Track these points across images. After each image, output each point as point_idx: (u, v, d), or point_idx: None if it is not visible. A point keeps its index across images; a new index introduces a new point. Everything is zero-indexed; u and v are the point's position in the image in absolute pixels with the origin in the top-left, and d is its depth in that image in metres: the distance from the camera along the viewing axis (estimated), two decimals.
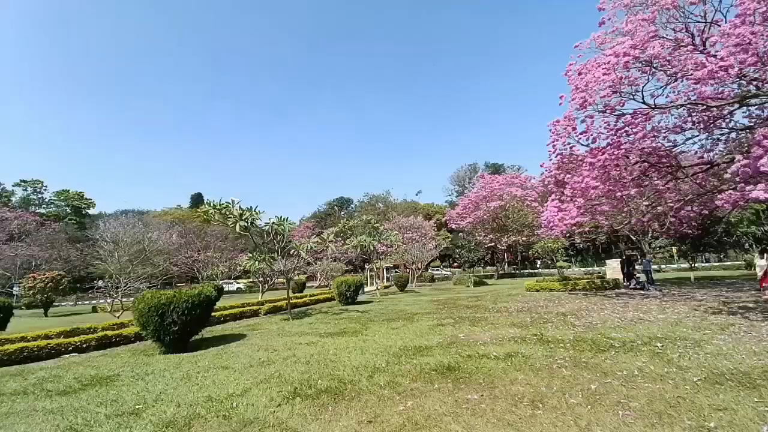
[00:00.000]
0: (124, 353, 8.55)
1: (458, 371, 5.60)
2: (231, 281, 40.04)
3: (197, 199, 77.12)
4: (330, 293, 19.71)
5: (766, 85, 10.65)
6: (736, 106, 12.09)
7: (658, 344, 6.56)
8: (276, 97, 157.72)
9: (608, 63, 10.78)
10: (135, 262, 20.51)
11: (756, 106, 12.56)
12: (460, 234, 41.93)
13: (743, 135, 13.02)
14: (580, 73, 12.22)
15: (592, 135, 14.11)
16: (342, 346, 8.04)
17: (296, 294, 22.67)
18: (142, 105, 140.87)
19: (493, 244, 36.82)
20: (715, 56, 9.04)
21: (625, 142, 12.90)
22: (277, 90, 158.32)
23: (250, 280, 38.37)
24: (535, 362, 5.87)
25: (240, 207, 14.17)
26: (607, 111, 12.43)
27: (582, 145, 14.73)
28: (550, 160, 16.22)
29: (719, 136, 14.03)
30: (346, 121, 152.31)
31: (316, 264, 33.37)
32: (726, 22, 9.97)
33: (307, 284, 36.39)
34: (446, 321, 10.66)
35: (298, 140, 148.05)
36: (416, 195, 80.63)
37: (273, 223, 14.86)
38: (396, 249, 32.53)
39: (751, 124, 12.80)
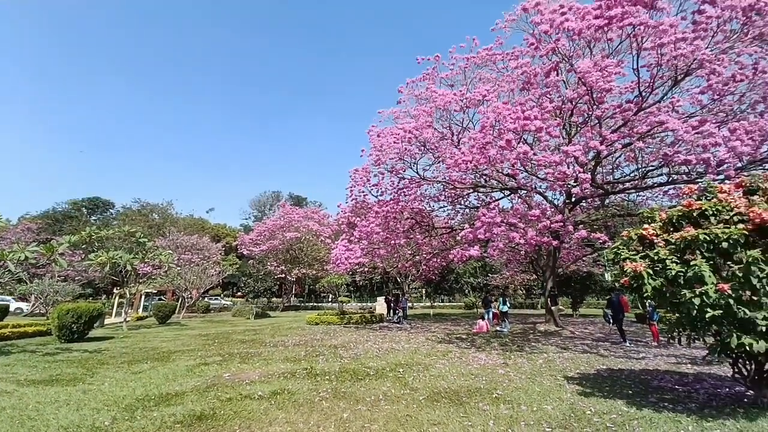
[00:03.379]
0: None
1: (212, 419, 4.80)
2: None
3: None
4: (46, 324, 14.16)
5: (490, 180, 15.54)
6: (471, 191, 17.15)
7: (401, 370, 7.77)
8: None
9: (398, 135, 13.16)
10: None
11: (483, 193, 18.19)
12: (251, 261, 39.62)
13: (472, 212, 18.24)
14: (378, 135, 14.37)
15: (381, 188, 16.61)
16: (51, 398, 5.70)
17: None
18: None
19: (283, 275, 36.54)
20: (462, 153, 12.51)
21: (403, 200, 15.79)
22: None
23: None
24: (300, 397, 5.77)
25: None
26: (393, 172, 15.00)
27: (373, 195, 17.10)
28: (347, 202, 17.93)
29: (459, 210, 19.39)
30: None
31: (33, 282, 23.58)
32: (474, 130, 14.13)
33: (12, 311, 25.17)
34: (212, 359, 9.34)
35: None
36: (207, 212, 71.88)
37: None
38: (166, 271, 27.26)
39: (478, 205, 18.41)
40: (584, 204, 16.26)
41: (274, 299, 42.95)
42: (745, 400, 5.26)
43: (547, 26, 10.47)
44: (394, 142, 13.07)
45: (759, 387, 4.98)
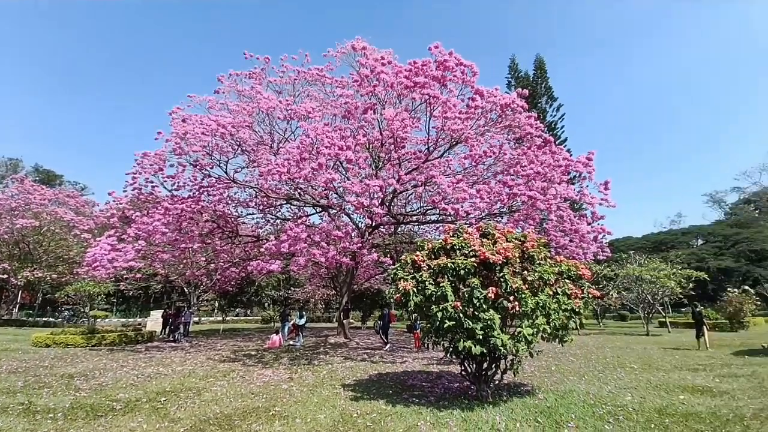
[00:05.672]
0: None
1: None
2: None
3: None
4: None
5: (305, 195, 15.66)
6: (285, 202, 16.86)
7: (163, 399, 6.55)
8: None
9: (210, 126, 11.73)
10: None
11: (296, 206, 18.13)
12: None
13: (283, 223, 17.87)
14: (184, 120, 12.40)
15: (178, 182, 14.20)
16: None
17: None
18: None
19: (6, 276, 25.38)
20: (279, 163, 12.16)
21: (205, 200, 13.96)
22: None
23: None
24: None
25: None
26: (198, 167, 13.15)
27: (165, 188, 14.39)
28: (125, 191, 14.42)
29: (270, 219, 18.70)
30: None
31: None
32: (296, 141, 13.99)
33: None
34: None
35: None
36: None
37: None
38: None
39: (290, 217, 18.23)
40: (383, 229, 18.72)
41: None
42: (470, 392, 6.82)
43: (368, 71, 11.86)
44: (203, 134, 11.52)
45: (479, 382, 6.54)
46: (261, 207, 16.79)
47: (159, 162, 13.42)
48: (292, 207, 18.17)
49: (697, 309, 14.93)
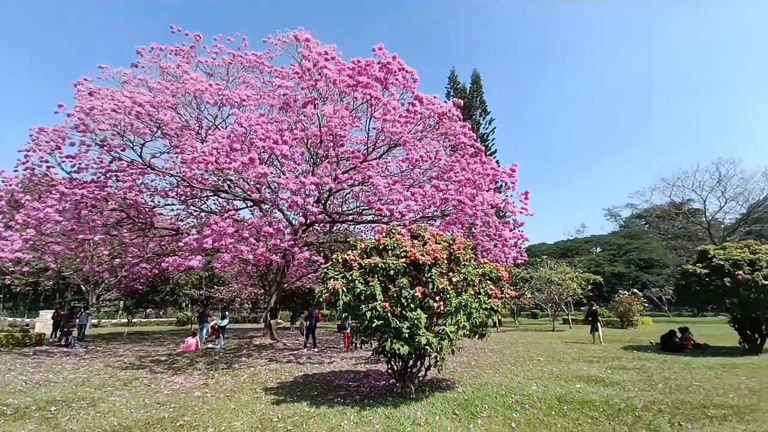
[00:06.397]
0: None
1: None
2: None
3: None
4: None
5: (235, 187, 14.60)
6: (212, 194, 15.55)
7: (53, 408, 5.80)
8: None
9: (123, 103, 10.41)
10: None
11: (225, 199, 16.81)
12: None
13: (209, 217, 16.45)
14: (91, 93, 10.84)
15: (80, 164, 12.37)
16: None
17: None
18: None
19: None
20: (206, 152, 11.16)
21: (112, 186, 12.35)
22: None
23: None
24: None
25: None
26: (106, 148, 11.58)
27: (63, 170, 12.44)
28: (16, 170, 12.19)
29: (193, 212, 17.09)
30: None
31: None
32: (227, 130, 12.96)
33: None
34: None
35: None
36: None
37: None
38: None
39: (217, 210, 16.84)
40: (318, 227, 18.28)
41: None
42: (395, 390, 6.92)
43: (311, 65, 11.53)
44: (113, 110, 10.13)
45: (404, 380, 6.68)
46: (183, 198, 15.31)
47: (57, 139, 11.53)
48: (219, 200, 16.89)
49: (593, 308, 17.09)
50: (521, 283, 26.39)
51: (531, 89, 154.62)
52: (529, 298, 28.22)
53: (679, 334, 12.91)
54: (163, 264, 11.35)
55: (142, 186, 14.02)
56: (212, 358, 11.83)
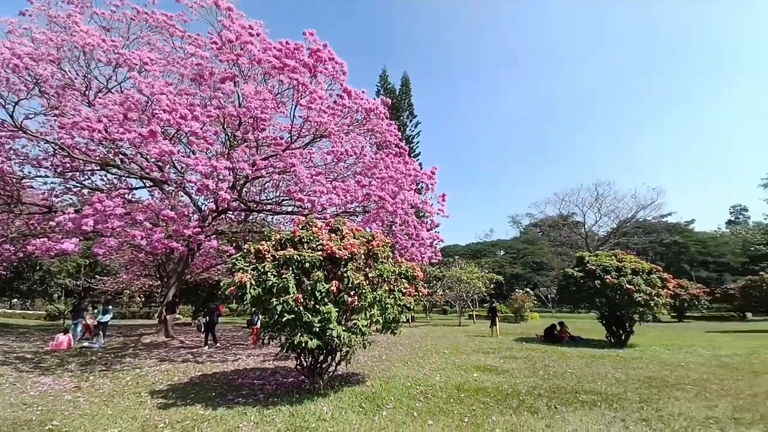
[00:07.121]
0: None
1: None
2: None
3: None
4: None
5: (131, 163, 12.64)
6: (98, 168, 13.25)
7: None
8: None
9: (2, 55, 8.41)
10: None
11: (115, 176, 14.45)
12: None
13: (92, 194, 14.06)
14: None
15: None
16: None
17: None
18: None
19: None
20: (92, 118, 9.44)
21: None
22: None
23: None
24: None
25: None
26: None
27: None
28: None
29: (73, 187, 14.36)
30: None
31: None
32: (121, 95, 11.14)
33: None
34: None
35: None
36: None
37: None
38: None
39: (104, 187, 14.40)
40: (232, 215, 16.90)
41: None
42: (304, 386, 6.71)
43: (233, 36, 10.57)
44: None
45: (313, 376, 6.50)
46: (60, 169, 12.80)
47: None
48: (109, 176, 14.57)
49: (493, 305, 18.94)
50: (434, 282, 28.02)
51: (459, 96, 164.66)
52: (441, 295, 30.13)
53: (558, 328, 14.99)
54: (29, 247, 9.32)
55: (11, 152, 11.46)
56: (88, 358, 10.15)
